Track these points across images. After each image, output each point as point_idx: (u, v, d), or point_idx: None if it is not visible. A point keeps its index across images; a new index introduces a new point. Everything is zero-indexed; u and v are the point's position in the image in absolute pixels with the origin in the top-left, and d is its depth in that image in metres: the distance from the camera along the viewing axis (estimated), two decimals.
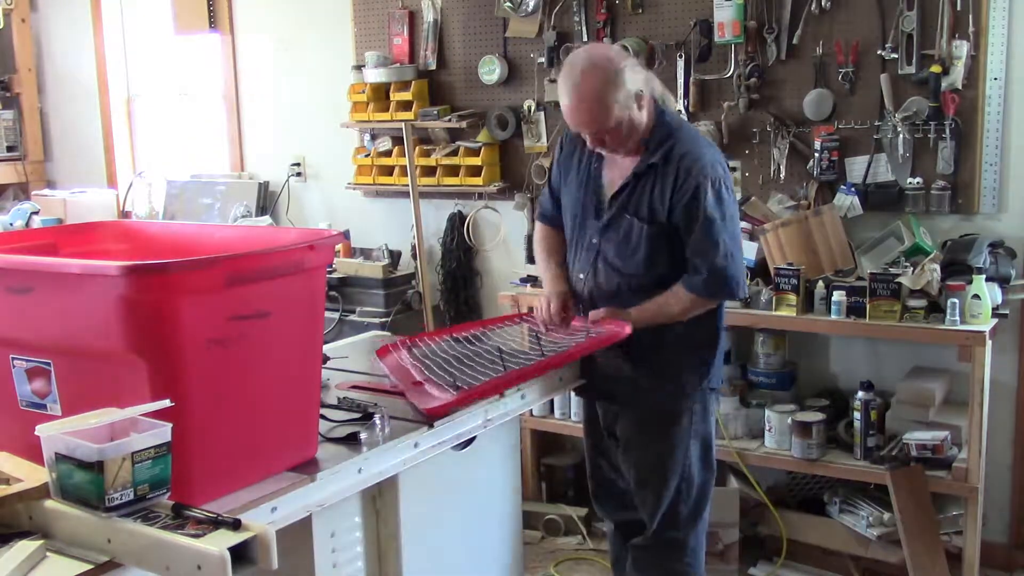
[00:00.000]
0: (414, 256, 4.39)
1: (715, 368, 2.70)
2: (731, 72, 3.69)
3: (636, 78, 2.50)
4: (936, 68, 3.31)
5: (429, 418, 2.17)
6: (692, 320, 2.59)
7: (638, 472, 2.74)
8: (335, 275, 4.33)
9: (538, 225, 2.93)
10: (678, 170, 2.51)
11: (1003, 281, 3.24)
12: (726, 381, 3.57)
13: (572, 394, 3.74)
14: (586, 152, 2.68)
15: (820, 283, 3.36)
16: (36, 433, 1.57)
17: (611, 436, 2.84)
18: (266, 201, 4.92)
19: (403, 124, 4.25)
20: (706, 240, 2.51)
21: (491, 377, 2.33)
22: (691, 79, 3.74)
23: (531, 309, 2.92)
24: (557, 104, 3.06)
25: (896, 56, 3.40)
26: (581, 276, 2.71)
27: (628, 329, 2.49)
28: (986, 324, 3.11)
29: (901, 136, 3.41)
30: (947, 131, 3.35)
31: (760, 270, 3.51)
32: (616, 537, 2.98)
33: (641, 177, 2.57)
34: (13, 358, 1.76)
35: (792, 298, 3.33)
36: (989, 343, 3.11)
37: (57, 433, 1.56)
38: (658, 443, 2.68)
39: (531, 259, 4.23)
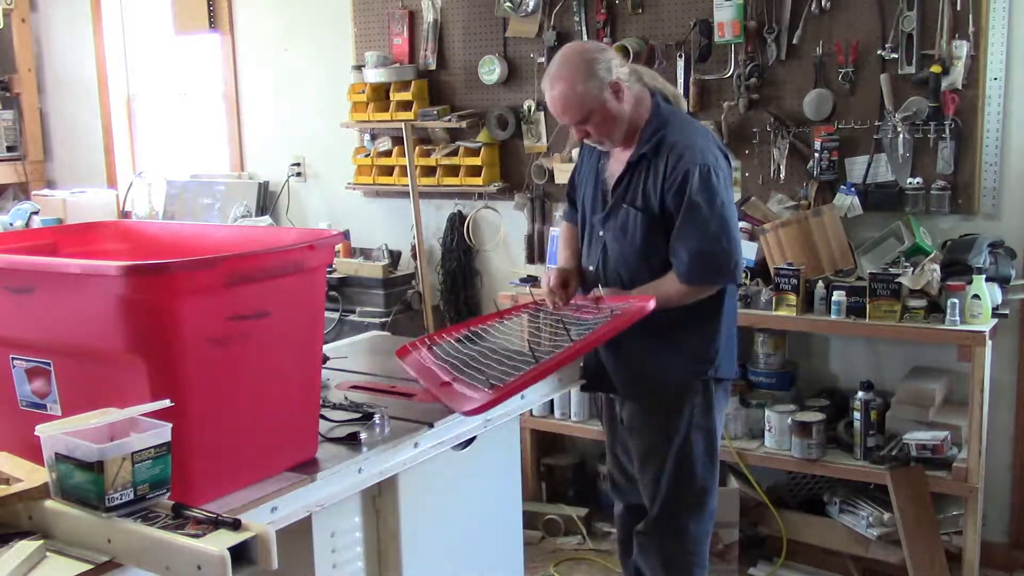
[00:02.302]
0: (414, 256, 4.39)
1: (720, 358, 2.66)
2: (731, 72, 3.69)
3: (613, 69, 2.53)
4: (936, 68, 3.31)
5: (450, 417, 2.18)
6: (693, 308, 2.58)
7: (639, 457, 2.75)
8: (335, 275, 4.33)
9: (561, 223, 2.99)
10: (668, 158, 2.53)
11: (1003, 281, 3.24)
12: (728, 393, 3.55)
13: (572, 394, 3.76)
14: (595, 152, 2.73)
15: (820, 283, 3.36)
16: (36, 433, 1.56)
17: (621, 421, 2.84)
18: (266, 201, 4.93)
19: (403, 124, 4.25)
20: (691, 225, 2.51)
21: (523, 371, 2.30)
22: (691, 79, 3.74)
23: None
24: None
25: (896, 56, 3.40)
26: (591, 268, 2.74)
27: (652, 304, 2.45)
28: (986, 324, 3.11)
29: (901, 136, 3.41)
30: (947, 131, 3.35)
31: (760, 270, 3.51)
32: (625, 518, 2.97)
33: (635, 167, 2.60)
34: (13, 358, 1.76)
35: (792, 298, 3.33)
36: (989, 343, 3.11)
37: (57, 433, 1.56)
38: (658, 430, 2.68)
39: (531, 259, 4.24)
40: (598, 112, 2.54)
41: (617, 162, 2.67)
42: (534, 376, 2.30)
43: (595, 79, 2.51)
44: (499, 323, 2.76)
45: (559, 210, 4.13)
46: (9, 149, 5.65)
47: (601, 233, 2.69)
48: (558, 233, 2.99)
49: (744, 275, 3.49)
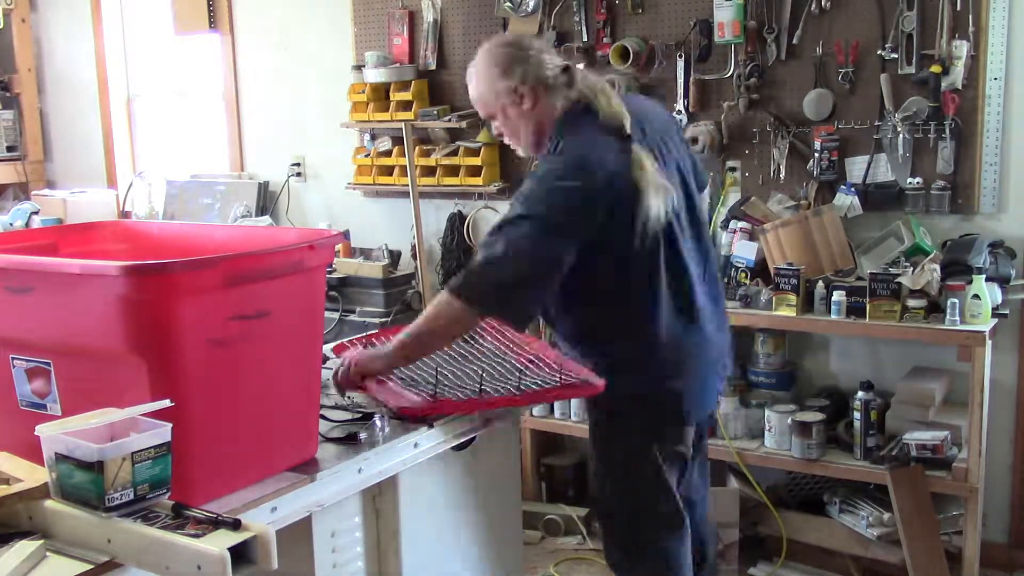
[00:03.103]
0: (414, 256, 4.39)
1: (664, 418, 2.40)
2: (731, 72, 3.69)
3: (528, 72, 2.34)
4: (936, 68, 3.31)
5: (409, 418, 2.15)
6: (620, 342, 2.36)
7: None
8: (335, 275, 4.33)
9: None
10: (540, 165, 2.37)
11: (1003, 281, 3.24)
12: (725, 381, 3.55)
13: None
14: None
15: (820, 283, 3.36)
16: (36, 433, 1.57)
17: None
18: (266, 201, 4.93)
19: (403, 124, 4.25)
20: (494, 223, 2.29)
21: (467, 395, 2.24)
22: (691, 79, 3.74)
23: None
24: None
25: (896, 56, 3.40)
26: None
27: (603, 384, 2.26)
28: (986, 324, 3.11)
29: (901, 136, 3.41)
30: (947, 131, 3.35)
31: (760, 270, 3.51)
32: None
33: None
34: (13, 358, 1.76)
35: (792, 298, 3.33)
36: (989, 343, 3.11)
37: (57, 433, 1.56)
38: (596, 443, 2.54)
39: None
40: (499, 114, 2.41)
41: None
42: (473, 405, 2.22)
43: (497, 80, 2.35)
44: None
45: None
46: (9, 149, 5.65)
47: None
48: None
49: (744, 275, 3.49)
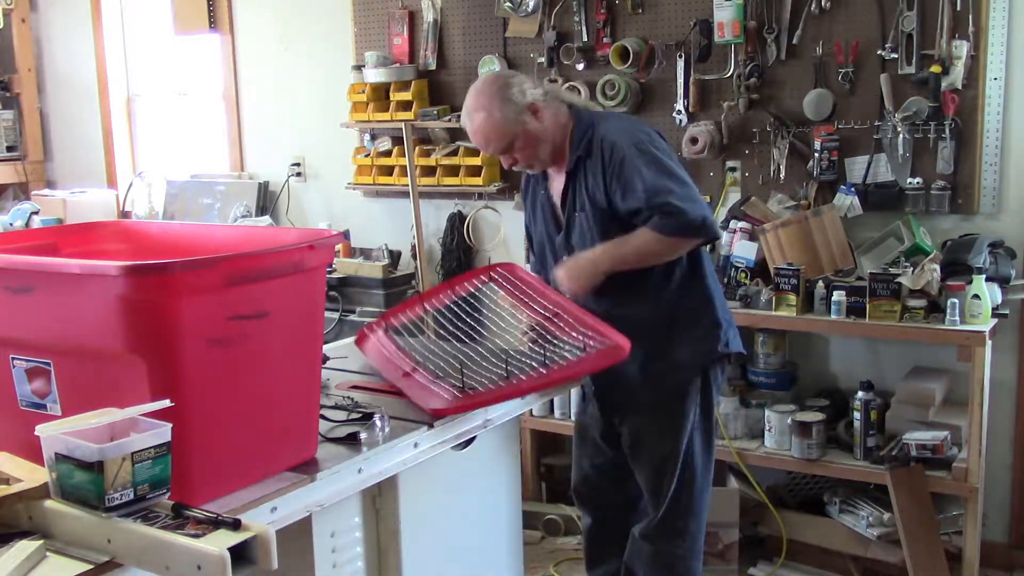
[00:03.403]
0: (414, 256, 4.39)
1: (726, 331, 2.70)
2: (731, 72, 3.69)
3: (527, 91, 2.59)
4: (936, 68, 3.31)
5: (432, 417, 2.17)
6: (678, 293, 2.62)
7: (652, 468, 2.74)
8: (335, 275, 4.33)
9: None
10: (602, 152, 2.56)
11: (1003, 281, 3.24)
12: (726, 381, 3.57)
13: (572, 394, 3.75)
14: (536, 187, 2.78)
15: (820, 283, 3.36)
16: (36, 433, 1.57)
17: (609, 428, 2.83)
18: (266, 201, 4.92)
19: (403, 124, 4.26)
20: (647, 187, 2.47)
21: (495, 381, 2.27)
22: (691, 79, 3.75)
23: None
24: None
25: (896, 56, 3.40)
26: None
27: (628, 346, 2.32)
28: (986, 324, 3.11)
29: (901, 136, 3.41)
30: (947, 131, 3.35)
31: (760, 270, 3.51)
32: (594, 528, 3.00)
33: (574, 175, 2.63)
34: (13, 358, 1.76)
35: (792, 298, 3.33)
36: (989, 343, 3.11)
37: (57, 433, 1.55)
38: (664, 441, 2.69)
39: (531, 259, 4.24)
40: (520, 137, 2.58)
41: (558, 180, 2.70)
42: (506, 394, 2.26)
43: (511, 104, 2.56)
44: (460, 304, 2.67)
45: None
46: (9, 149, 5.65)
47: (562, 252, 2.70)
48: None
49: (744, 275, 3.49)
